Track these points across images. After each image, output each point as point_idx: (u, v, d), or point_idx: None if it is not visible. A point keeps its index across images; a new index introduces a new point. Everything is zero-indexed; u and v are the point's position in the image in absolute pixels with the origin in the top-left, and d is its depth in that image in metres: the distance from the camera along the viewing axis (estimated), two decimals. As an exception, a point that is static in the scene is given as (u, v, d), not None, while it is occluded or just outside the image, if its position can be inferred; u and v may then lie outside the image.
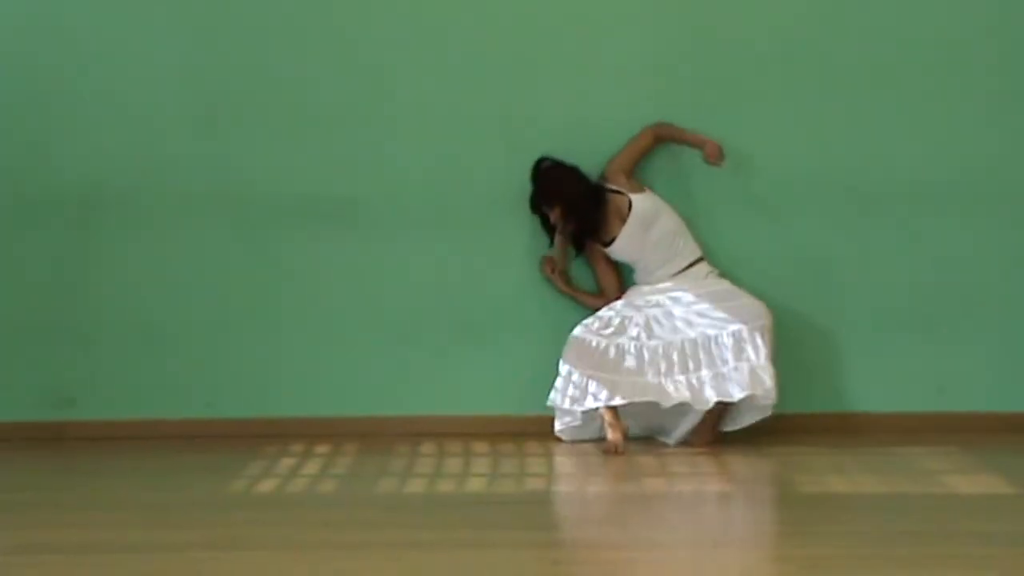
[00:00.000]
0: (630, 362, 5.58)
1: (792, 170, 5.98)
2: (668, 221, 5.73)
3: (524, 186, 5.88)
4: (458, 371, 6.00)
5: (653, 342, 5.59)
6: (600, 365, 5.58)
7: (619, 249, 5.79)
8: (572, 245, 5.89)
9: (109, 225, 5.98)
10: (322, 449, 5.66)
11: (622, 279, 5.90)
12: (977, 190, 5.98)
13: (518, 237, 5.94)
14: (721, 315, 5.59)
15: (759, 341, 5.48)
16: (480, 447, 5.68)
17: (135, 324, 5.99)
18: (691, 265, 5.75)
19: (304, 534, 4.32)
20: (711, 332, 5.54)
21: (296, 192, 5.97)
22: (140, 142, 5.98)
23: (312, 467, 5.35)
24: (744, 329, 5.50)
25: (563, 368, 5.66)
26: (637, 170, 5.82)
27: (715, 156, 5.73)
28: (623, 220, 5.72)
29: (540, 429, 5.84)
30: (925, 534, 4.24)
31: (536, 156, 5.88)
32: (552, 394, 5.68)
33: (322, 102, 5.96)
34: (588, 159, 5.86)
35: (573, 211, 5.69)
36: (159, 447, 5.77)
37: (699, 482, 5.13)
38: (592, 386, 5.56)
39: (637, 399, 5.52)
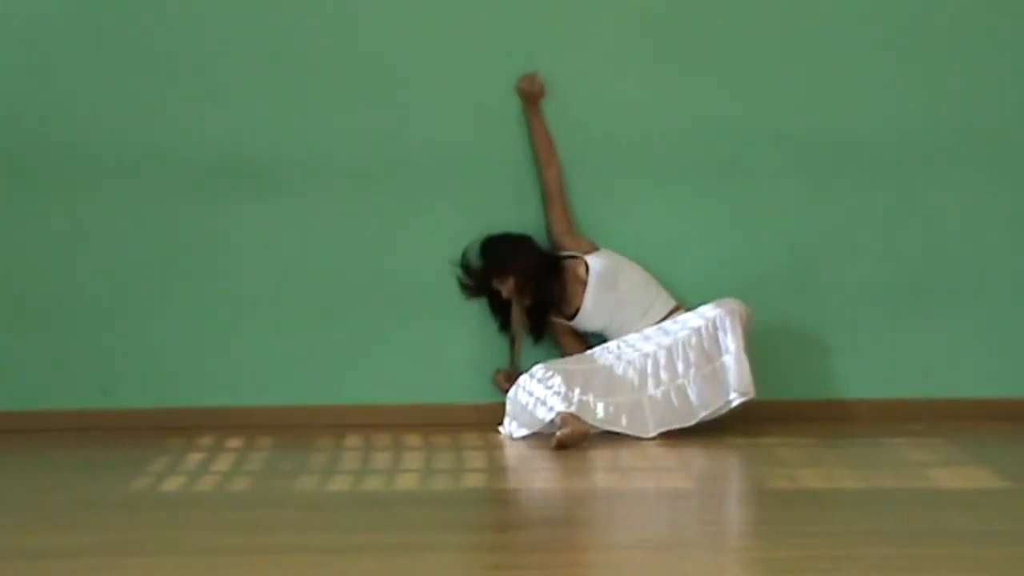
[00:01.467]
0: (604, 361, 5.60)
1: (757, 131, 6.00)
2: (632, 273, 5.83)
3: (466, 152, 5.92)
4: (388, 355, 6.02)
5: (627, 355, 5.62)
6: (569, 380, 5.57)
7: (588, 317, 5.82)
8: (528, 328, 5.86)
9: (-10, 190, 5.95)
10: (234, 443, 5.65)
11: None
12: (967, 150, 6.03)
13: (456, 207, 5.96)
14: (698, 311, 5.62)
15: (728, 326, 5.49)
16: (412, 440, 5.69)
17: (22, 302, 5.97)
18: (668, 315, 5.79)
19: (215, 538, 4.30)
20: (693, 325, 5.57)
21: (204, 154, 5.95)
22: (26, 96, 5.94)
23: (223, 463, 5.33)
24: (718, 316, 5.52)
25: (536, 371, 5.62)
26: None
27: (528, 82, 5.82)
28: (584, 285, 5.78)
29: (479, 419, 5.87)
30: (907, 533, 4.27)
31: (482, 117, 5.92)
32: (528, 405, 5.60)
33: (236, 52, 5.95)
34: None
35: (529, 281, 5.76)
36: (51, 440, 5.76)
37: (658, 478, 5.13)
38: (559, 385, 5.55)
39: (607, 426, 5.52)
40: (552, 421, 5.52)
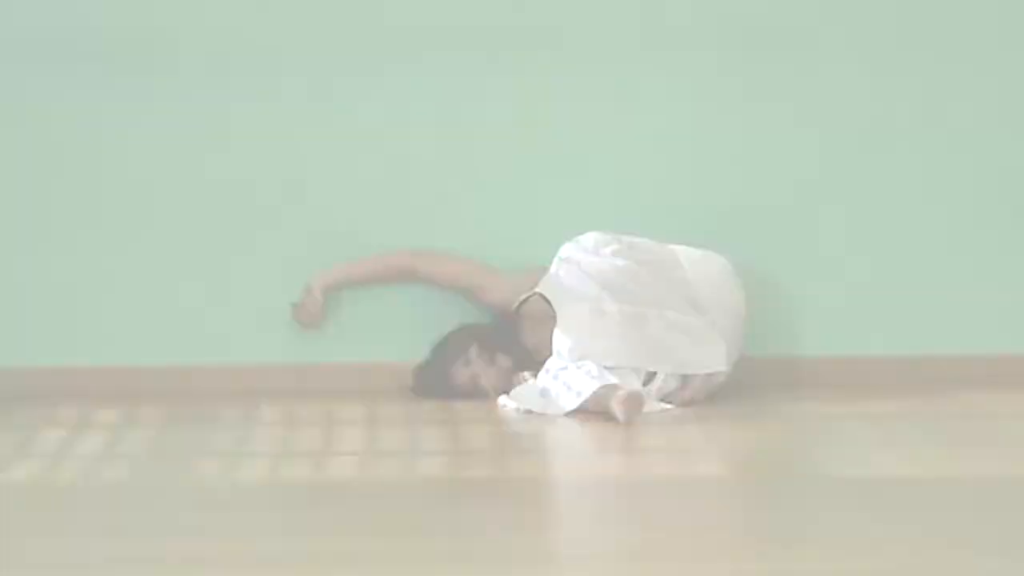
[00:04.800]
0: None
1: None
2: (571, 246, 5.98)
3: (440, 15, 6.03)
4: (317, 297, 6.11)
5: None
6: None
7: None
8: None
9: None
10: (107, 415, 5.68)
11: None
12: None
13: (417, 87, 6.04)
14: None
15: None
16: (350, 411, 5.74)
17: None
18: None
19: (77, 546, 4.24)
20: None
21: (67, 22, 5.99)
22: None
23: (92, 443, 5.36)
24: None
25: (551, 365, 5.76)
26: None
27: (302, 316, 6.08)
28: (552, 318, 5.89)
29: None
30: (1030, 539, 4.29)
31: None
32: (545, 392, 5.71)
33: None
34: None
35: (491, 338, 6.00)
36: None
37: (684, 463, 5.16)
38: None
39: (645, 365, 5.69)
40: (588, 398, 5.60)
